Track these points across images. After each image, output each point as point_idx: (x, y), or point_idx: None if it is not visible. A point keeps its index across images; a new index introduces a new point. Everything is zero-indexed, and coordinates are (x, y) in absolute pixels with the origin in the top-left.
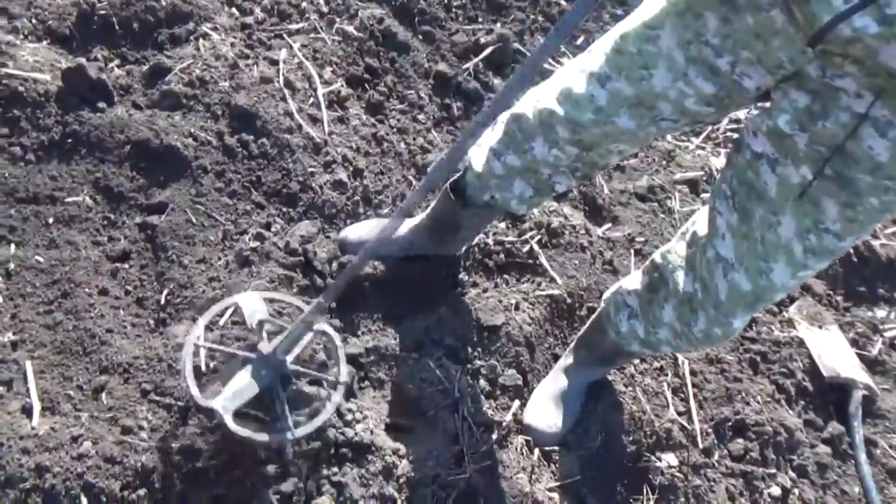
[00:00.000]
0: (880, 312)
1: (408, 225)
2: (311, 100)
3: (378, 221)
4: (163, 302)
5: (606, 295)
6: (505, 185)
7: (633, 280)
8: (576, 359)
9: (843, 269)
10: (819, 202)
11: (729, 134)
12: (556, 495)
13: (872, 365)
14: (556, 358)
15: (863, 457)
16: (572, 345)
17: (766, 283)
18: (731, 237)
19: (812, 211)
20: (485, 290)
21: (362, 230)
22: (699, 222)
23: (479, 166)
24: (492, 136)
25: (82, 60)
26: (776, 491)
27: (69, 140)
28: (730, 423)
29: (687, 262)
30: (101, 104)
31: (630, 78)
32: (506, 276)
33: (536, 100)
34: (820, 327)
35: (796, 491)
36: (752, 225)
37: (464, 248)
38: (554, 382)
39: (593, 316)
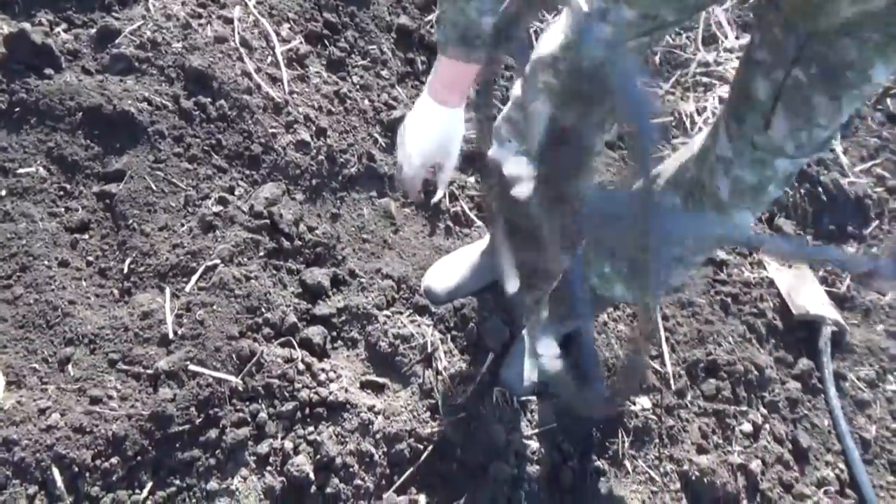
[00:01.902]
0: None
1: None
2: (270, 59)
3: (455, 259)
4: (126, 271)
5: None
6: None
7: None
8: (550, 312)
9: (813, 207)
10: (809, 100)
11: (699, 78)
12: (532, 443)
13: (841, 301)
14: None
15: (832, 390)
16: (546, 299)
17: (770, 173)
18: (727, 139)
19: (804, 109)
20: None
21: (447, 279)
22: (704, 134)
23: None
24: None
25: (25, 25)
26: (748, 427)
27: (17, 109)
28: (702, 365)
29: (693, 163)
30: (49, 70)
31: None
32: (477, 229)
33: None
34: (790, 267)
35: (767, 426)
36: (743, 127)
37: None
38: (529, 336)
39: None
